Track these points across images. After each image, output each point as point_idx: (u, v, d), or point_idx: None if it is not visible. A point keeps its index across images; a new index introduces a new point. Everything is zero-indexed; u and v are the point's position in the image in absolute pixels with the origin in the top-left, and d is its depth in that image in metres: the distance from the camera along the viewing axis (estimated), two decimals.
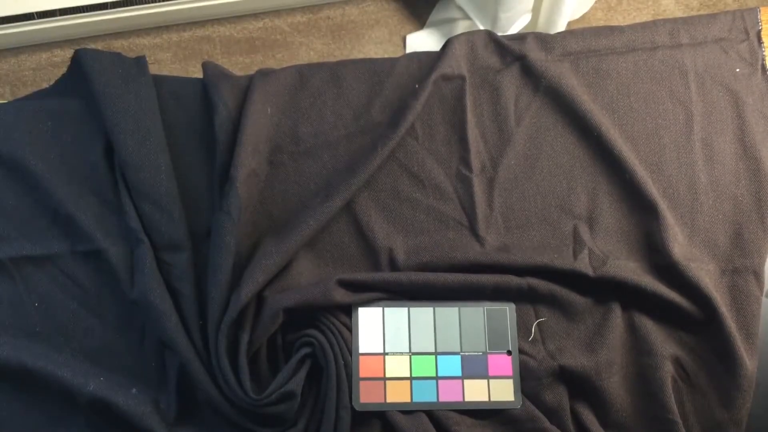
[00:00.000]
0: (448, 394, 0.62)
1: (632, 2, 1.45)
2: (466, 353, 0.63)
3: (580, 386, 0.62)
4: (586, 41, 0.71)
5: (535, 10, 1.17)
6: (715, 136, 0.70)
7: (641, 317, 0.63)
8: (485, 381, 0.62)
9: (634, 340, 0.63)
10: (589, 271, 0.63)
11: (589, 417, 0.61)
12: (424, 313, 0.63)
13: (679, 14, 1.45)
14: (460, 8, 1.38)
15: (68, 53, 1.44)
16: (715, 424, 0.60)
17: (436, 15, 1.43)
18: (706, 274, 0.63)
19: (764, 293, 0.65)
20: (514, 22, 1.26)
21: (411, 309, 0.63)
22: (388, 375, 0.62)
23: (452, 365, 0.63)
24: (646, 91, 0.71)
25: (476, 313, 0.64)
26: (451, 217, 0.67)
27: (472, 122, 0.69)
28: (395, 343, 0.63)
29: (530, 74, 0.70)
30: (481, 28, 1.35)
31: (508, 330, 0.63)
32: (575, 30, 0.72)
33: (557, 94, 0.69)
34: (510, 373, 0.63)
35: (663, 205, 0.65)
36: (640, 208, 0.66)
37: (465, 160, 0.68)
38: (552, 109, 0.69)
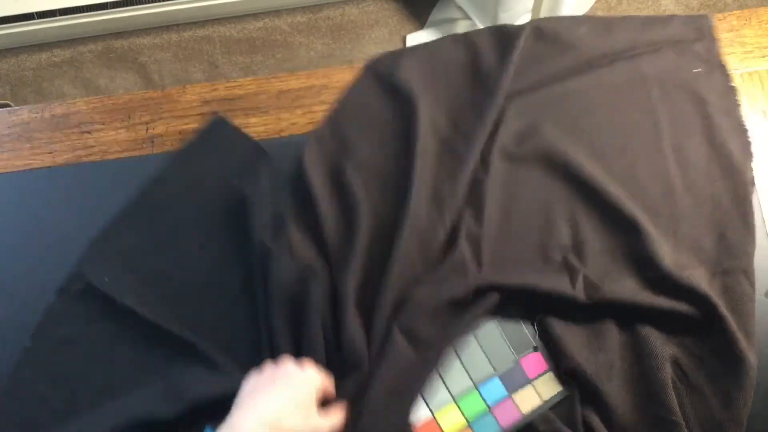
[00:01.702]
0: (507, 416, 0.60)
1: (632, 2, 1.45)
2: (501, 370, 0.62)
3: (584, 389, 0.61)
4: (543, 69, 0.70)
5: (535, 10, 1.17)
6: (685, 140, 0.69)
7: (640, 320, 0.63)
8: (530, 386, 0.61)
9: (634, 342, 0.63)
10: (584, 298, 0.61)
11: (594, 420, 0.60)
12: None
13: (678, 14, 1.45)
14: (460, 8, 1.38)
15: (68, 53, 1.45)
16: (716, 424, 0.59)
17: (436, 15, 1.43)
18: (700, 278, 0.63)
19: (765, 293, 0.65)
20: (514, 22, 1.27)
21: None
22: (447, 431, 0.60)
23: (496, 389, 0.61)
24: (609, 105, 0.69)
25: (492, 330, 0.63)
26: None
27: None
28: (436, 398, 0.61)
29: None
30: (482, 28, 1.35)
31: (524, 329, 0.63)
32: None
33: (517, 132, 0.68)
34: (546, 366, 0.62)
35: (644, 219, 0.64)
36: (622, 227, 0.64)
37: (454, 232, 0.65)
38: (516, 148, 0.68)
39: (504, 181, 0.67)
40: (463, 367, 0.62)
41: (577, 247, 0.64)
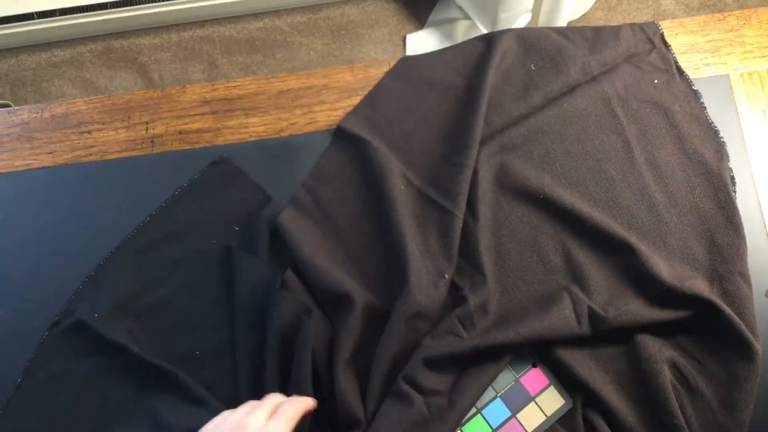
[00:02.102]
0: None
1: (632, 2, 1.45)
2: (502, 391, 0.61)
3: (585, 396, 0.61)
4: (506, 112, 0.70)
5: (535, 10, 1.17)
6: (657, 153, 0.69)
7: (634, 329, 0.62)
8: (533, 404, 0.61)
9: (631, 348, 0.62)
10: (589, 333, 0.61)
11: (599, 423, 0.60)
12: None
13: (679, 14, 1.45)
14: (460, 8, 1.38)
15: (68, 53, 1.44)
16: (718, 425, 0.59)
17: (436, 15, 1.43)
18: (702, 286, 0.62)
19: (765, 293, 0.65)
20: (514, 22, 1.27)
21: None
22: None
23: (498, 410, 0.61)
24: (577, 133, 0.69)
25: None
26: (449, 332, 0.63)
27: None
28: None
29: None
30: (482, 28, 1.35)
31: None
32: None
33: (495, 176, 0.68)
34: (547, 381, 0.62)
35: (633, 239, 0.64)
36: (615, 250, 0.64)
37: (453, 284, 0.65)
38: (495, 191, 0.68)
39: (492, 226, 0.67)
40: None
41: (577, 278, 0.64)
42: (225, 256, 0.66)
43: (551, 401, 0.61)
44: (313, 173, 0.70)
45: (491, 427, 0.61)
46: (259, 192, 0.69)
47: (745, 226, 0.66)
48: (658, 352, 0.61)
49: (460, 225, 0.65)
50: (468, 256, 0.65)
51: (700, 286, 0.62)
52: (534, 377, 0.62)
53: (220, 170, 0.70)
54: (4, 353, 0.65)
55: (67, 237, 0.68)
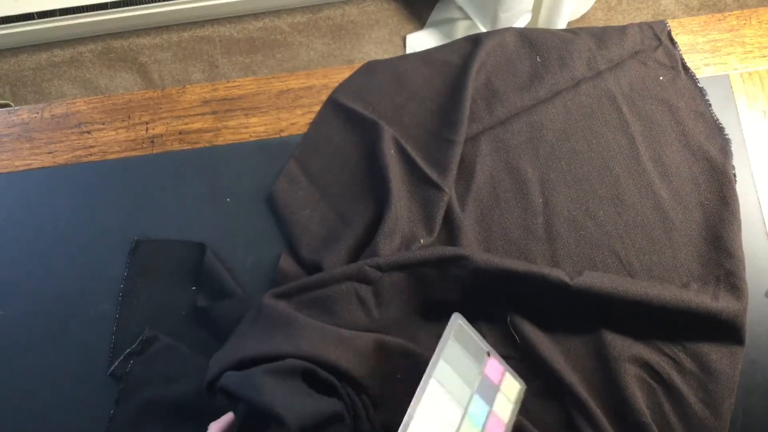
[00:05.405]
0: (495, 430, 0.59)
1: (632, 2, 1.45)
2: (475, 387, 0.59)
3: (569, 399, 0.61)
4: (510, 103, 0.70)
5: (535, 10, 1.17)
6: (662, 150, 0.69)
7: (604, 323, 0.62)
8: (501, 393, 0.60)
9: (600, 346, 0.62)
10: (567, 279, 0.59)
11: (583, 425, 0.60)
12: (432, 391, 0.58)
13: (679, 14, 1.45)
14: (460, 8, 1.38)
15: (68, 53, 1.45)
16: (698, 420, 0.59)
17: (436, 15, 1.43)
18: (695, 293, 0.62)
19: (765, 293, 0.65)
20: (514, 22, 1.27)
21: (418, 408, 0.56)
22: None
23: (480, 407, 0.59)
24: (582, 129, 0.70)
25: (455, 349, 0.60)
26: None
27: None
28: None
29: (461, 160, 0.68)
30: (482, 28, 1.35)
31: (473, 335, 0.60)
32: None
33: (494, 170, 0.68)
34: (502, 368, 0.60)
35: (622, 253, 0.64)
36: (605, 269, 0.64)
37: None
38: (495, 187, 0.68)
39: (484, 220, 0.67)
40: (450, 395, 0.59)
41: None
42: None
43: (512, 387, 0.61)
44: (301, 145, 0.71)
45: (479, 427, 0.60)
46: (188, 246, 0.66)
47: (745, 226, 0.66)
48: (619, 351, 0.61)
49: (446, 200, 0.65)
50: (444, 242, 0.66)
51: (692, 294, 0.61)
52: (492, 366, 0.61)
53: (144, 252, 0.67)
54: (4, 353, 0.65)
55: (67, 237, 0.68)
